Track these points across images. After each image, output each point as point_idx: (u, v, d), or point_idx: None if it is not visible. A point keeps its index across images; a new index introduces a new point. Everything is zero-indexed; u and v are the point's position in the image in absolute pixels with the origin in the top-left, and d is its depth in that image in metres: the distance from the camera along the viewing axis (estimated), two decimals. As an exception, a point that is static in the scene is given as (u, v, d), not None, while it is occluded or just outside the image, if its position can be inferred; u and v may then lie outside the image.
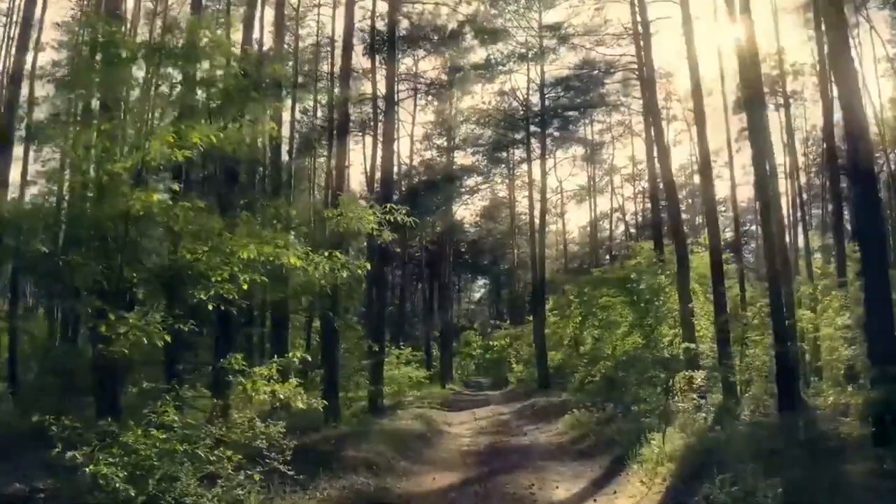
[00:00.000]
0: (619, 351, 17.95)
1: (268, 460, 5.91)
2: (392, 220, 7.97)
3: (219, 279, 5.85)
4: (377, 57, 25.98)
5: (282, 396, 5.98)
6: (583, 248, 56.06)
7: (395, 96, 27.17)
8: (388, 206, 8.03)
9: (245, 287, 6.04)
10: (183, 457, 5.14)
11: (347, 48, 18.60)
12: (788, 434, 9.90)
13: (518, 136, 40.85)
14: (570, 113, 36.82)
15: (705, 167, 15.38)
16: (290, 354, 6.33)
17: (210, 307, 6.19)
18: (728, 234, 35.30)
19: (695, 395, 12.40)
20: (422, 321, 46.11)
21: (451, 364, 42.40)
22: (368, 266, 7.52)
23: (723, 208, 44.71)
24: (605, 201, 50.35)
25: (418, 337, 43.08)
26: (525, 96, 31.85)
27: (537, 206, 31.67)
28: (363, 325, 20.49)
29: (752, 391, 17.09)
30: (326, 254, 6.77)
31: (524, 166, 44.13)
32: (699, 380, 12.32)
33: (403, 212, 8.04)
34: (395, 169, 42.71)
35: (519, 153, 44.60)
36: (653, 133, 21.54)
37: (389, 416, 15.15)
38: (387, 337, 32.12)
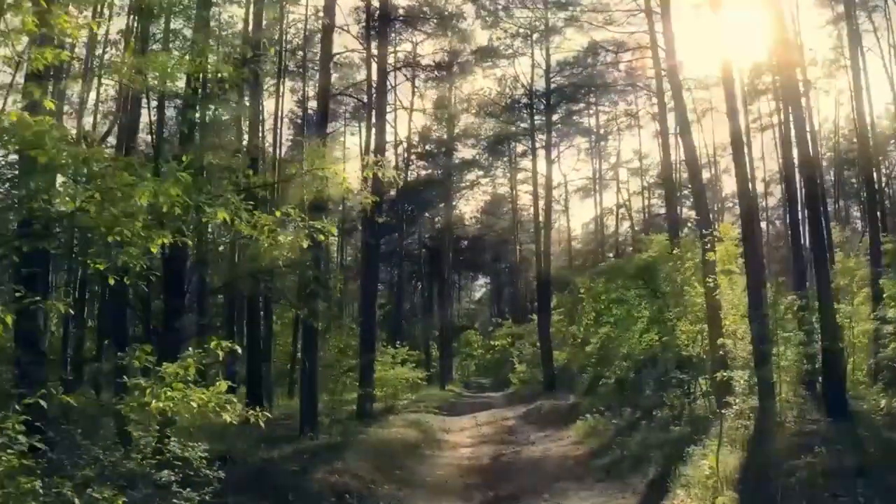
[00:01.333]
0: (636, 349, 16.21)
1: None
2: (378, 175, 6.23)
3: (120, 238, 4.07)
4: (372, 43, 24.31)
5: (195, 405, 4.18)
6: (586, 246, 54.23)
7: (390, 79, 25.42)
8: (370, 159, 6.31)
9: (154, 251, 4.32)
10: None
11: (328, 31, 16.94)
12: (857, 448, 8.12)
13: (522, 127, 39.21)
14: (578, 97, 34.94)
15: (737, 144, 13.57)
16: (213, 345, 4.52)
17: (113, 280, 4.43)
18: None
19: (736, 400, 10.59)
20: (421, 320, 44.36)
21: (451, 365, 40.77)
22: (334, 232, 5.76)
23: (730, 204, 43.27)
24: (609, 197, 48.54)
25: (417, 337, 41.39)
26: (529, 80, 30.03)
27: (542, 198, 29.90)
28: (352, 322, 18.69)
29: (781, 394, 15.43)
30: (280, 213, 5.00)
31: (526, 162, 42.78)
32: (741, 382, 10.52)
33: (391, 168, 6.25)
34: (393, 162, 41.31)
35: (521, 147, 43.27)
36: (667, 110, 19.79)
37: (380, 422, 13.40)
38: (382, 336, 30.68)
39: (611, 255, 44.23)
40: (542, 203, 29.69)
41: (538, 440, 13.24)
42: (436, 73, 36.19)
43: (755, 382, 13.40)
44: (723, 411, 10.96)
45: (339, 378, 14.53)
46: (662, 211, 47.00)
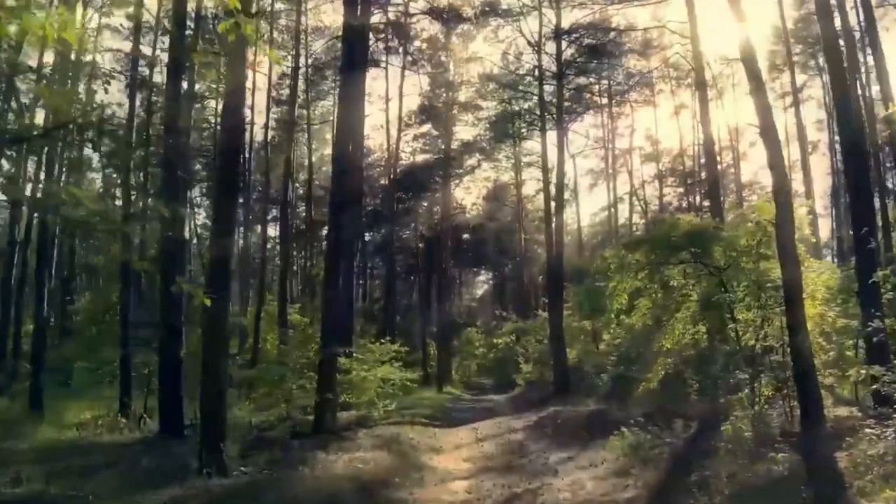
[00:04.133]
0: (680, 342, 12.56)
1: None
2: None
3: None
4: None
5: None
6: (593, 239, 50.54)
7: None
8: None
9: None
10: None
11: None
12: None
13: (526, 106, 35.59)
14: (589, 69, 31.27)
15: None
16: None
17: None
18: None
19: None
20: (417, 316, 40.76)
21: (450, 364, 37.20)
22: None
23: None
24: (619, 187, 44.86)
25: (413, 334, 37.84)
26: (538, 39, 26.14)
27: (552, 171, 26.19)
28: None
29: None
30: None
31: (532, 143, 39.21)
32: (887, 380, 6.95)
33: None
34: (385, 145, 37.75)
35: (526, 129, 39.73)
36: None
37: (343, 441, 9.80)
38: (370, 331, 27.12)
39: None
40: (552, 182, 25.93)
41: (561, 466, 9.54)
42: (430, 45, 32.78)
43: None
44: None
45: (286, 380, 10.91)
46: (676, 202, 43.80)
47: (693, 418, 11.22)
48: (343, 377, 12.36)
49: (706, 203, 31.24)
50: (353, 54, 15.19)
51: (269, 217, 39.87)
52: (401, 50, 31.32)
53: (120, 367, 14.00)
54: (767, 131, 11.00)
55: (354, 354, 16.12)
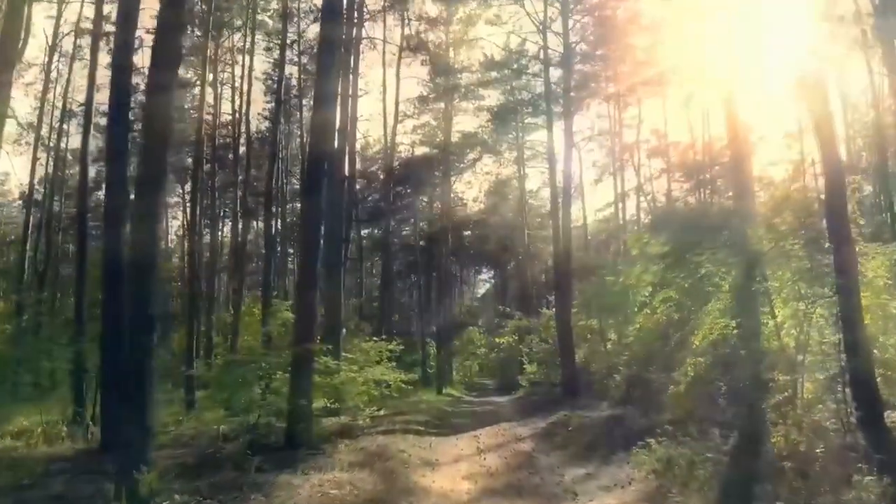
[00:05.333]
0: (707, 339, 10.98)
1: None
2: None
3: None
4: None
5: None
6: (597, 237, 48.87)
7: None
8: None
9: None
10: None
11: None
12: None
13: (530, 96, 34.04)
14: (595, 58, 29.71)
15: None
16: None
17: None
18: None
19: None
20: (417, 316, 39.24)
21: (451, 365, 35.68)
22: None
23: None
24: (625, 182, 43.13)
25: (413, 334, 36.36)
26: (543, 18, 24.51)
27: (559, 168, 24.60)
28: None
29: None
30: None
31: (536, 135, 37.68)
32: None
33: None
34: (383, 138, 36.21)
35: (530, 119, 38.18)
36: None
37: (318, 456, 8.25)
38: (365, 328, 25.57)
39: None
40: (560, 168, 24.34)
41: (580, 485, 7.93)
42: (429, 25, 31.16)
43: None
44: None
45: (254, 381, 9.31)
46: (683, 197, 42.16)
47: (728, 426, 9.63)
48: (323, 379, 10.78)
49: (714, 200, 29.85)
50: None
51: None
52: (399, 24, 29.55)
53: (73, 367, 12.48)
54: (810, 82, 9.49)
55: (343, 354, 14.59)
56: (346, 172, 21.24)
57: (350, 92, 19.39)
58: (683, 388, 10.62)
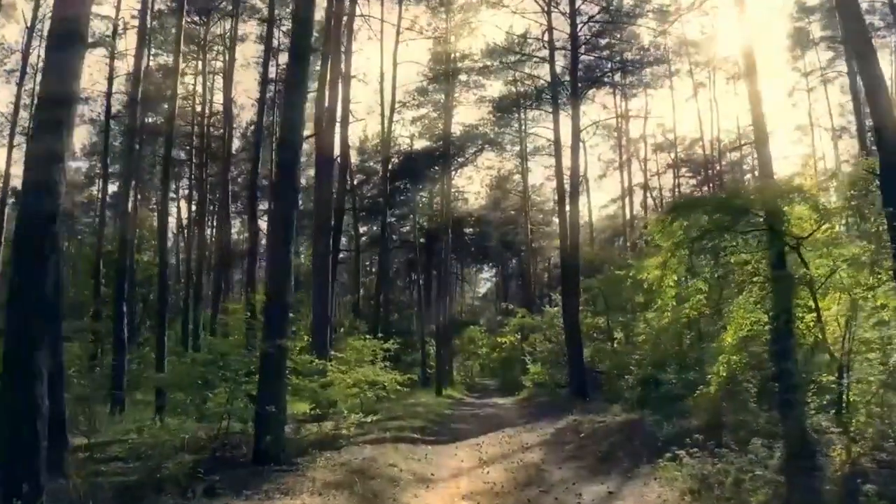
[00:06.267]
0: (737, 336, 9.69)
1: None
2: None
3: None
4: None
5: None
6: (602, 233, 47.53)
7: None
8: None
9: None
10: None
11: None
12: None
13: (535, 86, 32.63)
14: (601, 46, 28.34)
15: None
16: None
17: None
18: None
19: None
20: (416, 314, 37.93)
21: (451, 365, 34.43)
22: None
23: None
24: (629, 178, 41.84)
25: (412, 333, 35.13)
26: (547, 3, 23.14)
27: (565, 160, 23.28)
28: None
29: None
30: None
31: (540, 129, 36.36)
32: None
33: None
34: (380, 129, 34.85)
35: (532, 112, 36.90)
36: None
37: (285, 474, 6.88)
38: (361, 327, 24.27)
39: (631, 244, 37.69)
40: (566, 164, 23.01)
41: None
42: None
43: None
44: None
45: (220, 385, 8.01)
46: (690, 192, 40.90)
47: (768, 435, 8.31)
48: (303, 381, 9.48)
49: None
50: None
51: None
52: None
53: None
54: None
55: (333, 353, 13.30)
56: (339, 152, 19.87)
57: (343, 71, 18.08)
58: (714, 389, 9.29)
